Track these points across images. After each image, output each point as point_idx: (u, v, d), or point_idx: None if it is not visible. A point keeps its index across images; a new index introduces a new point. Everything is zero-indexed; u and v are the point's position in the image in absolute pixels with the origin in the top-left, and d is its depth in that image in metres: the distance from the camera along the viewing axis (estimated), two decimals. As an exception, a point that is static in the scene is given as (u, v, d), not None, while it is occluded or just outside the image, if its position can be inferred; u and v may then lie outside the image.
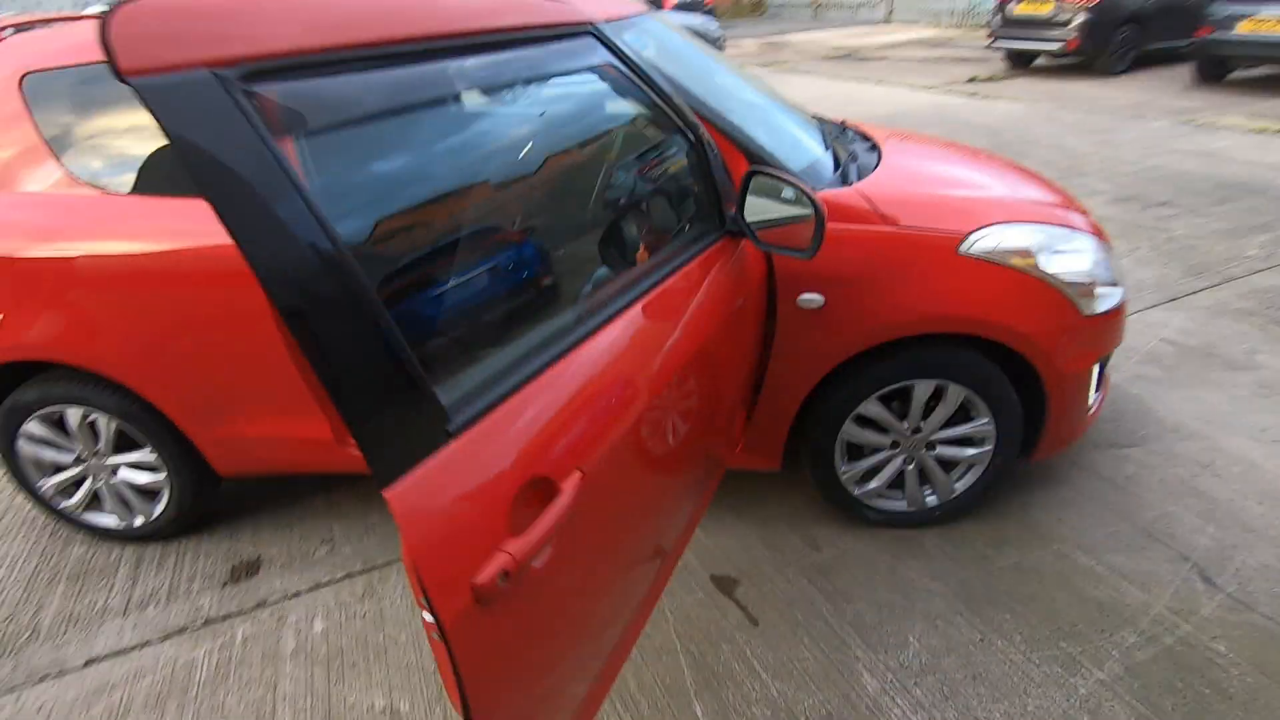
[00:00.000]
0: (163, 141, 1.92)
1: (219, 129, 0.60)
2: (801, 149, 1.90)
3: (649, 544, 1.38)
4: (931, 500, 1.97)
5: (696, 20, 10.07)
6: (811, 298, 1.67)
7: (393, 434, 0.69)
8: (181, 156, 0.57)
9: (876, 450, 1.90)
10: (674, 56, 1.88)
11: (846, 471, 1.92)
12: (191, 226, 1.67)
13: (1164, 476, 2.13)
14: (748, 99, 2.00)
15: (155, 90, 0.57)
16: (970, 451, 1.88)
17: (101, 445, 1.98)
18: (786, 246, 1.46)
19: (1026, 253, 1.71)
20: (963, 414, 1.83)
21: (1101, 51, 8.51)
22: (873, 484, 1.94)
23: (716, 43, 10.08)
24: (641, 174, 1.68)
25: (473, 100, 1.16)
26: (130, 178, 1.80)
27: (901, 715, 1.51)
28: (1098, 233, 1.93)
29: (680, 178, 1.62)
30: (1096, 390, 1.95)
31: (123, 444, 1.98)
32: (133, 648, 1.79)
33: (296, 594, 1.93)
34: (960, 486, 1.94)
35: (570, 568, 0.90)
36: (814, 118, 2.34)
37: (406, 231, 1.23)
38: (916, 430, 1.86)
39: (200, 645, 1.79)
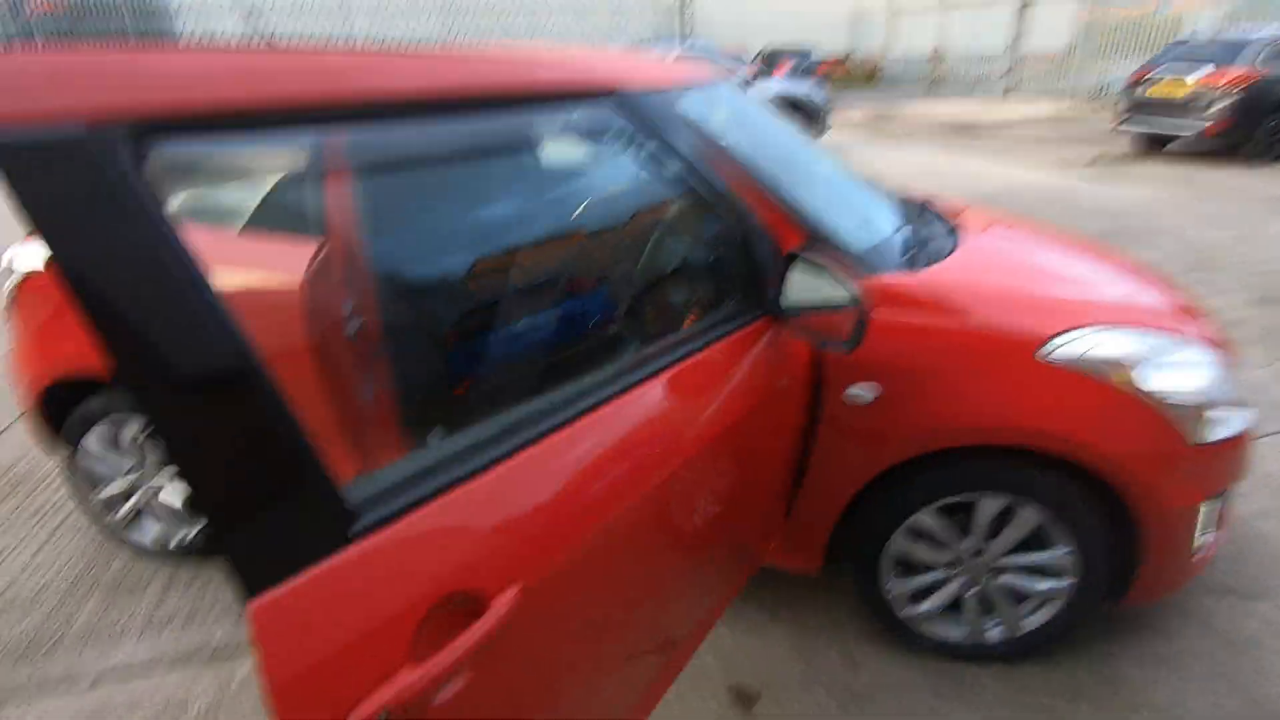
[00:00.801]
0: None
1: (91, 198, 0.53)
2: (868, 228, 1.76)
3: (645, 642, 1.24)
4: (995, 634, 1.70)
5: (802, 88, 10.10)
6: (860, 392, 1.50)
7: (271, 534, 0.60)
8: (37, 226, 0.51)
9: (931, 568, 1.68)
10: (739, 126, 1.81)
11: (894, 589, 1.70)
12: (252, 262, 1.73)
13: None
14: (817, 173, 1.90)
15: (13, 146, 0.49)
16: (1045, 584, 1.62)
17: (149, 464, 2.05)
18: (825, 335, 1.32)
19: (1122, 363, 1.48)
20: (1037, 540, 1.58)
21: (1247, 139, 7.83)
22: (925, 606, 1.70)
23: (820, 112, 10.04)
24: (660, 248, 1.60)
25: (467, 166, 1.13)
26: (214, 212, 1.90)
27: None
28: (1220, 344, 1.67)
29: (714, 253, 1.53)
30: (1210, 530, 1.64)
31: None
32: (137, 675, 1.79)
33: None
34: (1031, 623, 1.67)
35: (504, 695, 0.79)
36: (894, 195, 2.20)
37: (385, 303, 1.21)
38: (980, 552, 1.62)
39: (200, 681, 1.76)
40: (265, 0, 18.69)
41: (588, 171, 1.46)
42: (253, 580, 0.59)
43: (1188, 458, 1.49)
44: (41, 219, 0.51)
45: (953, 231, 1.95)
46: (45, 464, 2.64)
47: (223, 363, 0.58)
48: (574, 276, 1.57)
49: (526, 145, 1.49)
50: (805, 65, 19.09)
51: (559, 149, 1.39)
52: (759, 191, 1.51)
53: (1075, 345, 1.47)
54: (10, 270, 1.98)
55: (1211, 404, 1.51)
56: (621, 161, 1.40)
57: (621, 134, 1.21)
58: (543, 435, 0.92)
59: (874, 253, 1.63)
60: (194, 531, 2.11)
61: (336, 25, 19.92)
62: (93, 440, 2.04)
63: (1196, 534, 1.57)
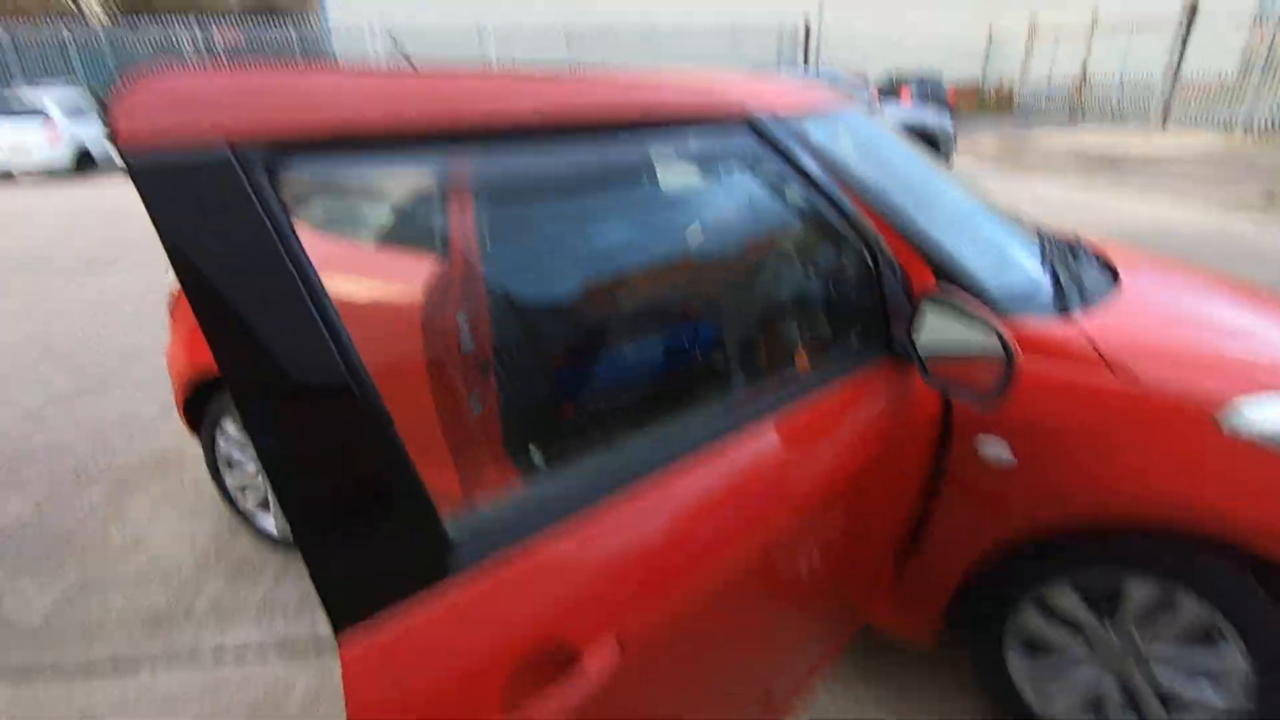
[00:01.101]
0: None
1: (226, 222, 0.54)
2: (1009, 267, 1.62)
3: (742, 699, 1.16)
4: (1144, 742, 1.48)
5: (926, 115, 9.69)
6: (997, 450, 1.36)
7: (365, 562, 0.59)
8: (172, 248, 0.52)
9: (1065, 652, 1.49)
10: (868, 154, 1.71)
11: (1020, 670, 1.52)
12: (377, 275, 1.83)
13: None
14: (952, 206, 1.76)
15: (155, 169, 0.51)
16: (1209, 693, 1.39)
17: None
18: (963, 386, 1.20)
19: (1327, 441, 1.25)
20: (1203, 637, 1.36)
21: None
22: (1056, 693, 1.51)
23: (945, 140, 9.59)
24: (781, 280, 1.53)
25: (599, 189, 1.11)
26: (349, 225, 2.03)
27: None
28: None
29: (838, 288, 1.44)
30: None
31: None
32: (250, 656, 1.89)
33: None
34: (1189, 736, 1.44)
35: None
36: (1037, 231, 2.02)
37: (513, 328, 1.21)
38: (1128, 641, 1.42)
39: (304, 669, 1.84)
40: (407, 24, 20.24)
41: (710, 197, 1.42)
42: (342, 611, 0.57)
43: None
44: (174, 236, 0.52)
45: (1109, 273, 1.75)
46: (193, 450, 2.89)
47: (329, 377, 0.57)
48: (688, 305, 1.53)
49: (652, 169, 1.47)
50: (933, 91, 18.40)
51: (682, 173, 1.36)
52: (888, 223, 1.41)
53: (1266, 413, 1.27)
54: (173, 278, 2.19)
55: None
56: (745, 188, 1.35)
57: (749, 159, 1.16)
58: (648, 471, 0.88)
59: (1016, 295, 1.48)
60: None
61: (472, 48, 21.24)
62: (227, 433, 2.21)
63: None
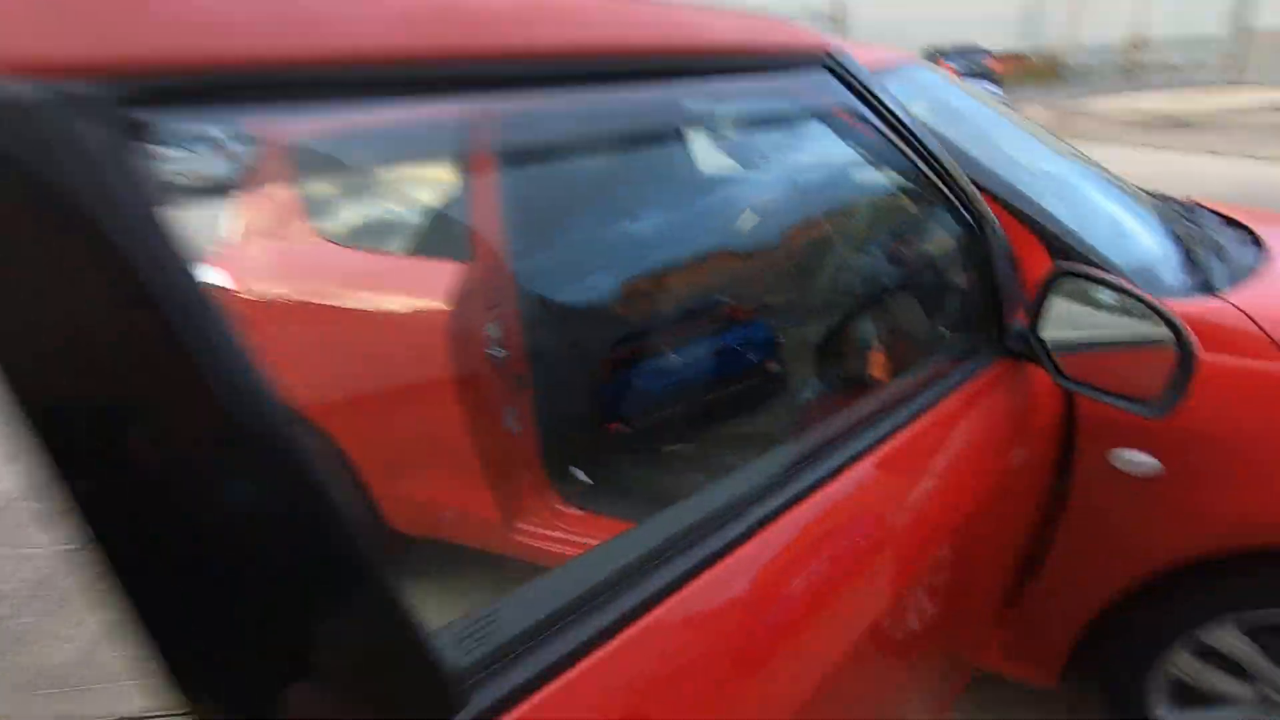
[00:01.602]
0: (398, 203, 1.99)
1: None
2: (1133, 239, 1.35)
3: None
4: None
5: (979, 88, 9.18)
6: (1139, 458, 1.11)
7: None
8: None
9: (1228, 702, 1.22)
10: (951, 113, 1.47)
11: (1168, 722, 1.26)
12: (393, 286, 1.66)
13: None
14: (1053, 171, 1.50)
15: None
16: None
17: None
18: (1112, 392, 0.95)
19: None
20: None
21: None
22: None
23: (998, 109, 9.08)
24: (877, 263, 1.30)
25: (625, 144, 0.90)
26: (369, 235, 1.88)
27: None
28: None
29: (940, 271, 1.20)
30: None
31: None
32: None
33: None
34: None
35: None
36: (1145, 195, 1.74)
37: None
38: (1311, 692, 1.15)
39: None
40: None
41: (780, 165, 1.21)
42: None
43: None
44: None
45: (1251, 239, 1.47)
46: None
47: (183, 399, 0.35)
48: (747, 304, 1.31)
49: (712, 123, 1.25)
50: (974, 63, 17.64)
51: (748, 132, 1.15)
52: (992, 193, 1.17)
53: None
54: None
55: None
56: (824, 149, 1.13)
57: (828, 108, 0.93)
58: (726, 548, 0.65)
59: (1148, 271, 1.22)
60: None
61: None
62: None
63: None
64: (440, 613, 0.49)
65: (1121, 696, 1.28)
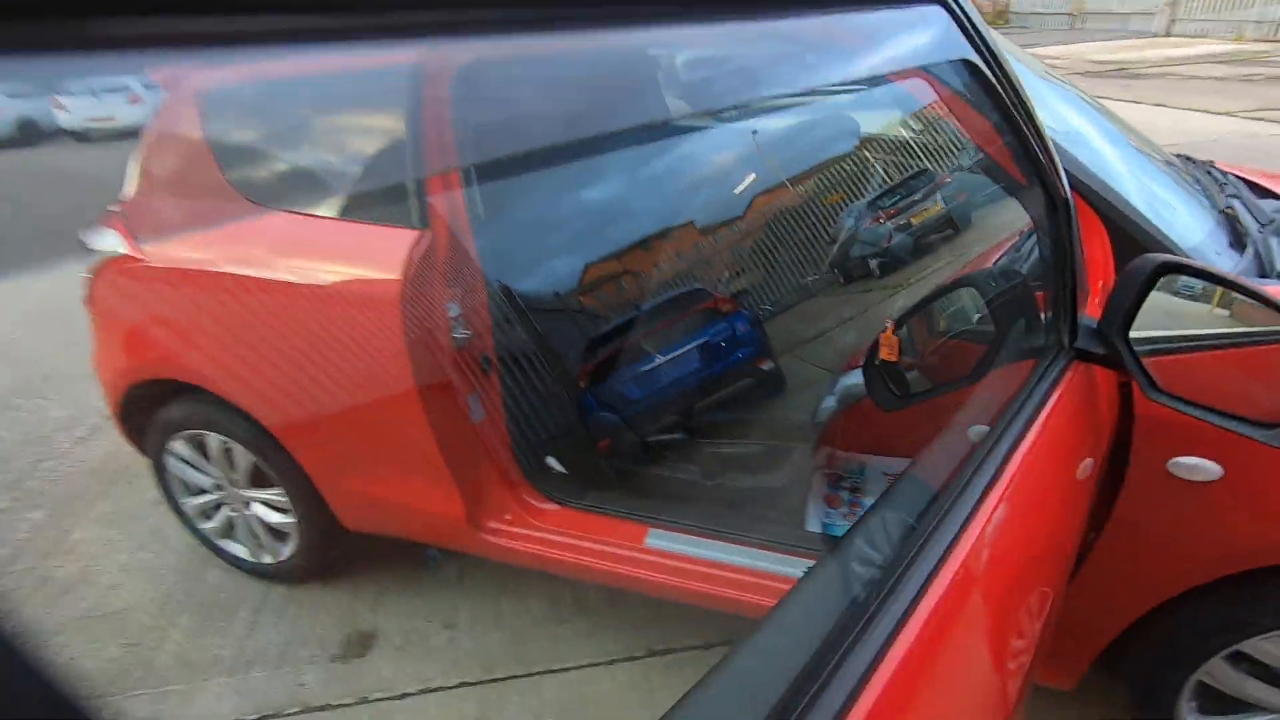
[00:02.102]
0: (343, 153, 1.71)
1: None
2: (1176, 214, 1.22)
3: None
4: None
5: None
6: (1199, 463, 1.00)
7: None
8: None
9: (1261, 709, 1.16)
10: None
11: (1196, 731, 1.20)
12: (342, 257, 1.41)
13: None
14: (1093, 137, 1.34)
15: None
16: None
17: (238, 476, 1.80)
18: (1223, 412, 0.81)
19: None
20: None
21: None
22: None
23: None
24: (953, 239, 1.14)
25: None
26: (298, 193, 1.59)
27: None
28: None
29: (1018, 257, 1.05)
30: None
31: (259, 480, 1.79)
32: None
33: (403, 695, 1.61)
34: None
35: None
36: (1175, 159, 1.62)
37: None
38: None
39: (288, 741, 1.51)
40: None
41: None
42: None
43: None
44: None
45: (1293, 212, 1.35)
46: (141, 460, 2.50)
47: None
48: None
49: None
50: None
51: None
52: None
53: None
54: (89, 252, 1.74)
55: None
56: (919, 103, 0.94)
57: (939, 53, 0.72)
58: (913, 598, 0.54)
59: (1198, 251, 1.09)
60: (288, 552, 1.87)
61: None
62: (177, 448, 1.82)
63: None
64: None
65: (1149, 700, 1.22)
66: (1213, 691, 1.18)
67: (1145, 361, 0.87)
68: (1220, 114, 7.42)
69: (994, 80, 0.71)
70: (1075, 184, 1.04)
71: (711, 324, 1.26)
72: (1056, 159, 0.81)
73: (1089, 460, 0.92)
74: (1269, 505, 0.99)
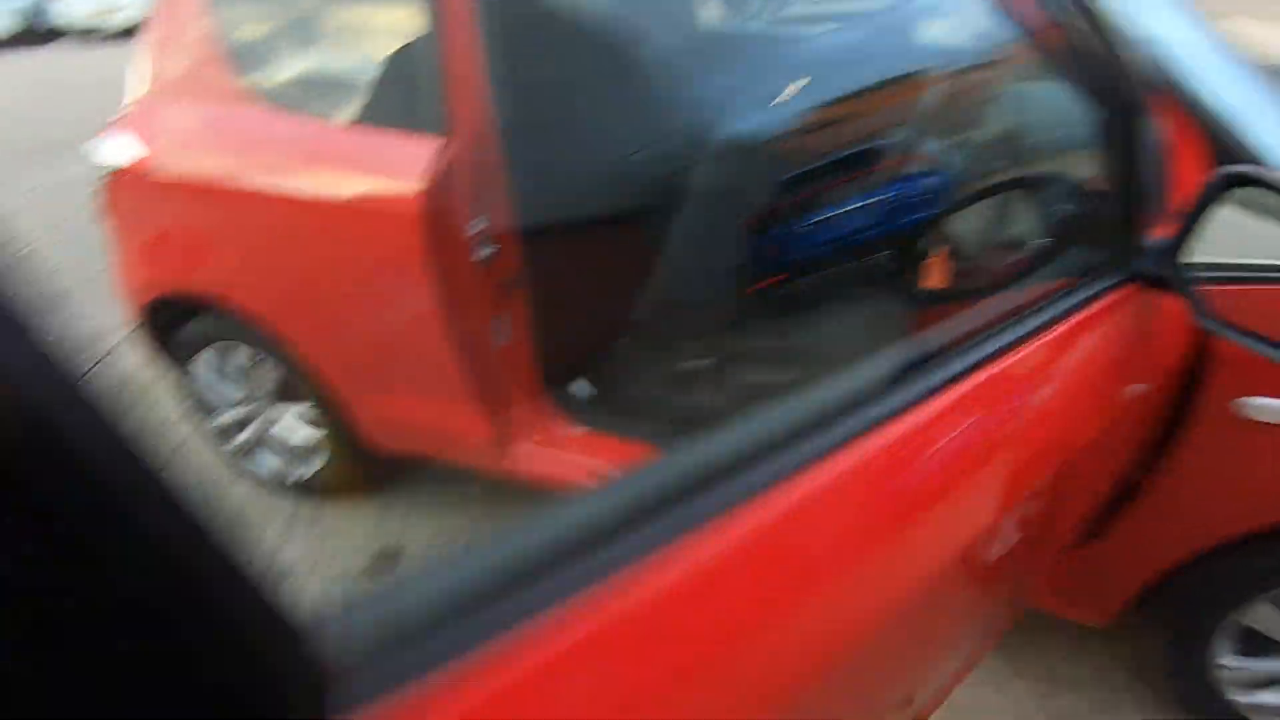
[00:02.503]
0: (358, 54, 1.61)
1: None
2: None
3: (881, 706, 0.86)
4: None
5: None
6: (1267, 404, 0.94)
7: None
8: None
9: (1294, 653, 1.15)
10: None
11: (1234, 669, 1.19)
12: (366, 169, 1.34)
13: None
14: (1192, 44, 1.21)
15: None
16: None
17: (266, 391, 1.80)
18: (1270, 341, 0.76)
19: None
20: None
21: None
22: (1270, 701, 1.19)
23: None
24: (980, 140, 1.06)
25: None
26: (315, 97, 1.51)
27: None
28: None
29: (1070, 161, 0.97)
30: None
31: (288, 395, 1.79)
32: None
33: (430, 609, 1.64)
34: None
35: None
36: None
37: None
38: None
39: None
40: None
41: None
42: None
43: None
44: None
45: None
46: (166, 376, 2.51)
47: None
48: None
49: None
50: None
51: None
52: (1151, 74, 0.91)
53: None
54: (99, 165, 1.68)
55: None
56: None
57: None
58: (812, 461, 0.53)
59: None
60: (313, 470, 1.88)
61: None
62: (201, 366, 1.81)
63: None
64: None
65: (1186, 641, 1.20)
66: (1251, 632, 1.16)
67: (1216, 290, 0.80)
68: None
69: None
70: (1166, 91, 0.94)
71: (899, 181, 1.16)
72: (1128, 52, 0.72)
73: (1140, 386, 0.87)
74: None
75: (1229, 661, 1.19)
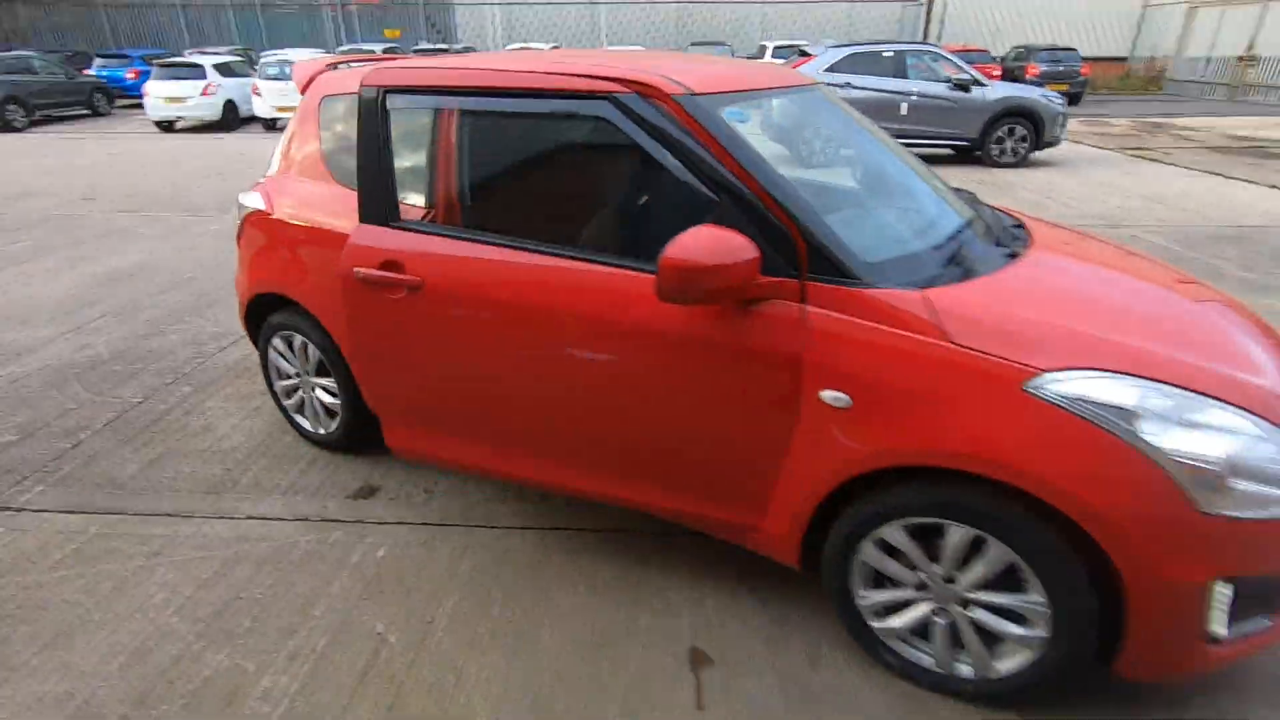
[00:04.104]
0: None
1: None
2: (891, 240, 1.78)
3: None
4: (965, 671, 1.65)
5: (1032, 93, 9.07)
6: (837, 395, 1.56)
7: None
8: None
9: (900, 585, 1.67)
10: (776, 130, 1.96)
11: (863, 598, 1.72)
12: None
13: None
14: (881, 183, 1.94)
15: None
16: (1016, 630, 1.55)
17: (308, 365, 2.65)
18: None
19: (1129, 413, 1.37)
20: (1012, 582, 1.52)
21: None
22: (894, 622, 1.70)
23: (1052, 120, 8.98)
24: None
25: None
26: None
27: None
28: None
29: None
30: (1241, 619, 1.45)
31: (322, 370, 2.63)
32: (274, 518, 2.38)
33: (383, 522, 2.36)
34: (1004, 669, 1.60)
35: None
36: (978, 211, 2.13)
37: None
38: (951, 580, 1.59)
39: (308, 534, 2.30)
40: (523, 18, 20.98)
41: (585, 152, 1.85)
42: None
43: (1195, 525, 1.34)
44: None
45: (1011, 253, 1.85)
46: (257, 362, 3.46)
47: None
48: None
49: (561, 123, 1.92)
50: (1066, 66, 16.94)
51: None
52: (763, 190, 1.62)
53: (1071, 385, 1.40)
54: (241, 208, 2.68)
55: (1238, 475, 1.34)
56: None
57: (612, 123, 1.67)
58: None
59: (884, 266, 1.63)
60: (331, 430, 2.70)
61: (585, 26, 21.57)
62: (277, 344, 2.70)
63: (1211, 617, 1.40)
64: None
65: (834, 579, 1.74)
66: (870, 569, 1.69)
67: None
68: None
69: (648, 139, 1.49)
70: (781, 206, 1.64)
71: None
72: (734, 181, 1.51)
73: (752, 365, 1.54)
74: (880, 425, 1.52)
75: (862, 593, 1.72)
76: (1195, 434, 1.36)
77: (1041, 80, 16.91)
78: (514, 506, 2.43)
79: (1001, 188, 8.07)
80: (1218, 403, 1.41)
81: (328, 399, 2.66)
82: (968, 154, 9.48)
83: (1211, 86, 18.30)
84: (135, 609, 1.98)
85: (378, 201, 2.10)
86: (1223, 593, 1.39)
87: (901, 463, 1.51)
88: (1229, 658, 1.48)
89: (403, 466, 2.68)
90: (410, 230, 2.04)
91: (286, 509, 2.43)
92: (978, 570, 1.54)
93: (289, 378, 2.77)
